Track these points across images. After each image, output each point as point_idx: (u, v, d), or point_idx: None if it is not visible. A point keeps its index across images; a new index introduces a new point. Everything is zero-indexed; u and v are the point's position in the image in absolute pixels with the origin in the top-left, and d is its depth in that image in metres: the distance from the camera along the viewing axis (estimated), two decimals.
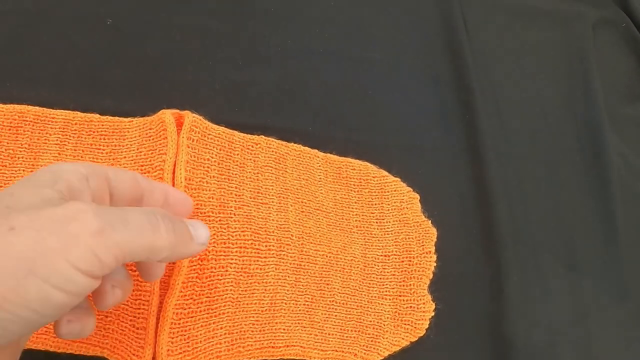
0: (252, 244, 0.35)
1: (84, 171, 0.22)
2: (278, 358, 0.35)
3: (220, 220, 0.34)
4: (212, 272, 0.33)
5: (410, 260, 0.40)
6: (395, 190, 0.42)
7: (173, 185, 0.34)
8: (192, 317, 0.32)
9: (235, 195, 0.36)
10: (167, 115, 0.35)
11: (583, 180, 0.50)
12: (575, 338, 0.45)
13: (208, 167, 0.36)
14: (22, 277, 0.18)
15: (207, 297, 0.33)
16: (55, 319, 0.21)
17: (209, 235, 0.27)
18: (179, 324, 0.31)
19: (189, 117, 0.36)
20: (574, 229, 0.48)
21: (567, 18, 0.57)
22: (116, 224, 0.20)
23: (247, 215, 0.36)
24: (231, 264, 0.34)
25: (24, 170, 0.36)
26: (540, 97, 0.53)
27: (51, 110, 0.37)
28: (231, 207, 0.35)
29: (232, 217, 0.35)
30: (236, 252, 0.34)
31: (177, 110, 0.36)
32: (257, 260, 0.35)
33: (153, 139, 0.36)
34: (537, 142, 0.50)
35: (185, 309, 0.32)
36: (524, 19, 0.55)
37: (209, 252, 0.33)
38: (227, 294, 0.33)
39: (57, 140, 0.36)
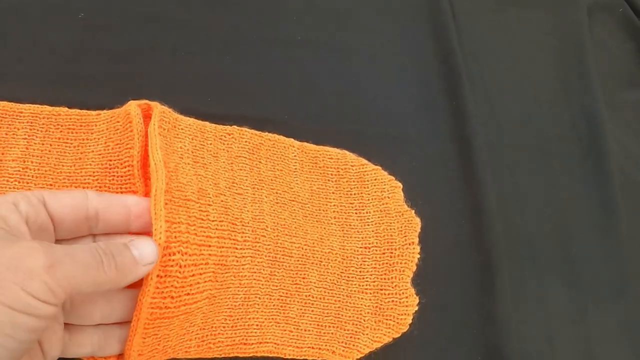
0: (229, 234, 0.32)
1: (10, 199, 0.24)
2: (250, 355, 0.33)
3: (200, 207, 0.31)
4: (194, 264, 0.29)
5: (391, 252, 0.37)
6: (375, 179, 0.39)
7: (145, 174, 0.32)
8: (168, 317, 0.28)
9: (212, 183, 0.34)
10: (133, 106, 0.34)
11: (580, 170, 0.48)
12: (574, 334, 0.42)
13: (181, 155, 0.33)
14: None
15: (187, 294, 0.28)
16: (32, 343, 0.23)
17: (156, 250, 0.26)
18: (154, 324, 0.28)
19: (158, 107, 0.34)
20: (570, 220, 0.45)
21: (562, 2, 0.55)
22: (64, 261, 0.22)
23: (224, 205, 0.33)
24: (211, 255, 0.30)
25: None
26: (533, 84, 0.50)
27: (19, 104, 0.36)
28: (209, 194, 0.32)
29: (211, 205, 0.32)
30: (216, 242, 0.31)
31: (146, 101, 0.34)
32: (234, 252, 0.32)
33: (120, 132, 0.34)
34: (530, 130, 0.48)
35: (162, 309, 0.27)
36: (515, 3, 0.53)
37: (192, 239, 0.29)
38: (205, 290, 0.30)
39: (24, 134, 0.35)
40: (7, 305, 0.20)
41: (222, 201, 0.33)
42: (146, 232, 0.29)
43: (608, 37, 0.56)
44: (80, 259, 0.23)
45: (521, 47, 0.51)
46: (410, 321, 0.36)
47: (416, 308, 0.36)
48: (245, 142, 0.37)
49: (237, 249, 0.33)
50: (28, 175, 0.34)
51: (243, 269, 0.33)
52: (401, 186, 0.39)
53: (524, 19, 0.53)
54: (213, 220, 0.31)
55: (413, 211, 0.38)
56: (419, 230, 0.38)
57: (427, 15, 0.49)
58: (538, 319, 0.41)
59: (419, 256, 0.37)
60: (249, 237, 0.34)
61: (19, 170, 0.34)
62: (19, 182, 0.34)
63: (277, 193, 0.36)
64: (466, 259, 0.41)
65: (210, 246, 0.30)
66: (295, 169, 0.38)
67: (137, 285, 0.27)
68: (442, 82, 0.46)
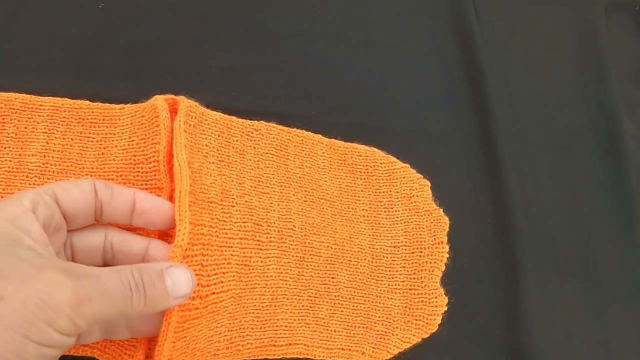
0: (252, 235, 0.31)
1: (28, 205, 0.23)
2: (280, 357, 0.31)
3: (222, 209, 0.30)
4: (216, 264, 0.28)
5: (421, 252, 0.35)
6: (404, 177, 0.37)
7: (170, 170, 0.30)
8: (196, 317, 0.26)
9: (237, 183, 0.32)
10: (160, 101, 0.31)
11: (598, 167, 0.46)
12: (593, 333, 0.40)
13: (206, 153, 0.31)
14: (20, 342, 0.19)
15: (213, 293, 0.27)
16: None
17: (192, 283, 0.24)
18: (183, 327, 0.26)
19: (184, 102, 0.31)
20: (590, 217, 0.43)
21: (579, 0, 0.52)
22: (92, 297, 0.21)
23: (248, 205, 0.31)
24: (233, 255, 0.29)
25: (10, 160, 0.31)
26: (552, 80, 0.47)
27: (39, 97, 0.33)
28: (233, 195, 0.31)
29: (234, 207, 0.30)
30: (238, 243, 0.29)
31: (172, 96, 0.32)
32: (258, 253, 0.31)
33: (145, 127, 0.32)
34: (550, 127, 0.45)
35: (191, 310, 0.26)
36: (536, 1, 0.50)
37: (213, 241, 0.28)
38: (230, 290, 0.28)
39: (45, 128, 0.32)
40: (35, 341, 0.19)
41: (246, 202, 0.31)
42: (147, 229, 0.28)
43: (624, 35, 0.53)
44: (109, 293, 0.21)
45: (541, 44, 0.49)
46: (440, 321, 0.34)
47: (445, 308, 0.34)
48: (273, 138, 0.34)
49: (261, 249, 0.31)
50: (49, 171, 0.32)
51: (268, 269, 0.31)
52: (429, 184, 0.37)
53: (543, 15, 0.50)
54: (236, 222, 0.30)
55: (441, 210, 0.36)
56: (447, 229, 0.36)
57: (451, 10, 0.46)
58: (559, 319, 0.39)
59: (448, 256, 0.35)
60: (274, 237, 0.32)
61: (40, 166, 0.32)
62: (40, 178, 0.31)
63: (305, 191, 0.34)
64: (491, 258, 0.39)
65: (231, 247, 0.29)
66: (324, 166, 0.36)
67: None
68: (466, 78, 0.43)
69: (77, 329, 0.20)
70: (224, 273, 0.28)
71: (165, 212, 0.27)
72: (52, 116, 0.33)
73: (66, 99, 0.33)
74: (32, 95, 0.33)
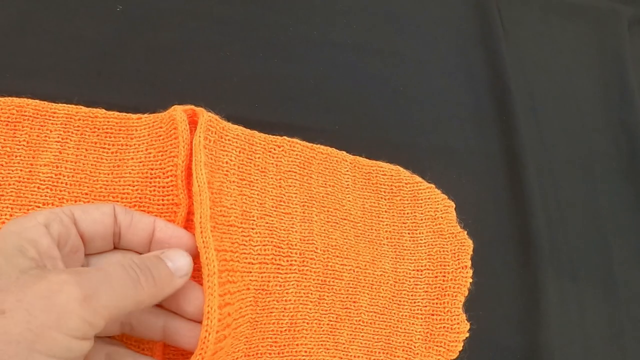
0: (272, 259, 0.29)
1: (42, 220, 0.21)
2: None
3: (242, 232, 0.28)
4: (238, 290, 0.26)
5: (444, 276, 0.33)
6: (429, 198, 0.35)
7: (188, 186, 0.28)
8: (223, 347, 0.24)
9: (258, 203, 0.30)
10: (178, 112, 0.29)
11: (621, 186, 0.44)
12: (612, 353, 0.39)
13: (227, 171, 0.29)
14: (26, 356, 0.17)
15: (234, 319, 0.25)
16: None
17: (190, 261, 0.24)
18: (212, 358, 0.24)
19: (204, 115, 0.29)
20: (612, 237, 0.42)
21: (603, 15, 0.50)
22: (100, 289, 0.19)
23: (269, 227, 0.29)
24: (252, 281, 0.27)
25: (21, 170, 0.29)
26: (576, 98, 0.46)
27: (52, 104, 0.31)
28: (254, 216, 0.29)
29: (254, 229, 0.29)
30: (257, 268, 0.28)
31: (191, 107, 0.30)
32: (277, 277, 0.29)
33: (163, 139, 0.30)
34: (574, 146, 0.44)
35: (221, 341, 0.24)
36: (560, 16, 0.48)
37: (235, 267, 0.26)
38: (247, 315, 0.27)
39: (58, 137, 0.30)
40: (45, 353, 0.17)
41: (267, 223, 0.29)
42: None
43: None
44: (117, 282, 0.20)
45: (564, 59, 0.47)
46: (461, 348, 0.32)
47: (467, 335, 0.32)
48: (296, 155, 0.32)
49: (280, 273, 0.29)
50: (61, 183, 0.29)
51: (287, 293, 0.29)
52: (454, 206, 0.35)
53: (567, 30, 0.48)
54: (256, 246, 0.28)
55: (465, 232, 0.34)
56: (471, 252, 0.34)
57: (478, 25, 0.44)
58: (578, 340, 0.38)
59: (471, 280, 0.33)
60: (295, 260, 0.30)
61: (52, 177, 0.29)
62: (51, 190, 0.29)
63: (328, 211, 0.32)
64: (512, 281, 0.37)
65: (251, 272, 0.28)
66: (348, 185, 0.34)
67: None
68: (491, 94, 0.41)
69: (92, 327, 0.19)
70: (243, 299, 0.27)
71: (185, 242, 0.25)
72: (65, 124, 0.30)
73: (81, 106, 0.31)
74: (46, 102, 0.31)
